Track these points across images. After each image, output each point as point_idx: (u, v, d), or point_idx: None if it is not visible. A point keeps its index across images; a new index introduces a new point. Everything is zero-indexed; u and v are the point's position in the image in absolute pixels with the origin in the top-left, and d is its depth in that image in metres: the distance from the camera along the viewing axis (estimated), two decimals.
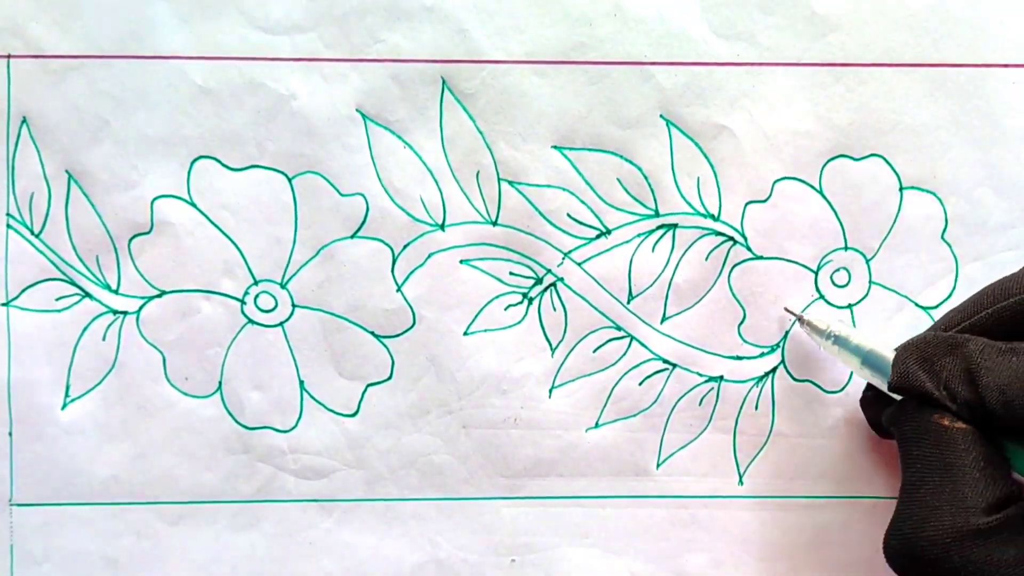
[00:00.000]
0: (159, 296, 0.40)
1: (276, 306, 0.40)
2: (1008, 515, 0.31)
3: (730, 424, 0.41)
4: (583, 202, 0.40)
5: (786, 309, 0.40)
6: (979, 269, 0.40)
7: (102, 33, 0.39)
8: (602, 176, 0.40)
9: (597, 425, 0.41)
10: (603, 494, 0.41)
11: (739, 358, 0.40)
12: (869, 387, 0.38)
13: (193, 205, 0.40)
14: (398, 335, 0.40)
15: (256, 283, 0.40)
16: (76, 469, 0.40)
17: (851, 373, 0.40)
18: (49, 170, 0.39)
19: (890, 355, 0.34)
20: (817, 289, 0.40)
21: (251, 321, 0.40)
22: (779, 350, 0.40)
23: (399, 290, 0.40)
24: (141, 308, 0.40)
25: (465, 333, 0.40)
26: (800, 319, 0.39)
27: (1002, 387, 0.31)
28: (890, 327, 0.40)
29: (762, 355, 0.40)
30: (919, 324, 0.40)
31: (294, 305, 0.40)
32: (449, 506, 0.41)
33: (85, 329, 0.40)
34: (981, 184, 0.40)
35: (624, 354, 0.40)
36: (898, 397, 0.35)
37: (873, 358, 0.36)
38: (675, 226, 0.40)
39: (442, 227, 0.40)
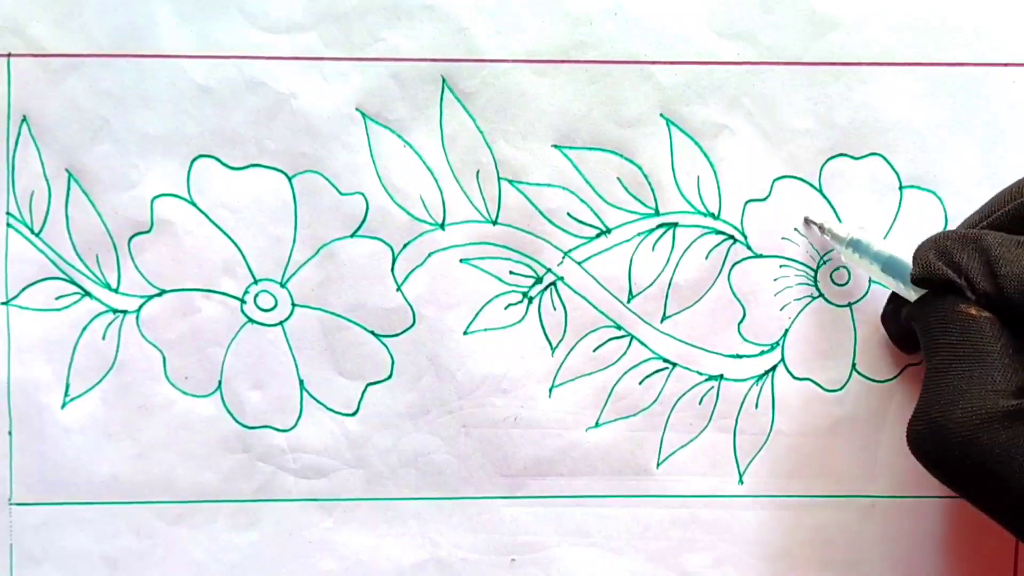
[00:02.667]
0: (159, 295, 0.40)
1: (276, 305, 0.40)
2: None
3: (730, 423, 0.41)
4: (583, 201, 0.40)
5: (806, 219, 0.40)
6: None
7: (102, 32, 0.39)
8: (602, 175, 0.40)
9: (597, 424, 0.41)
10: (603, 493, 0.41)
11: (739, 357, 0.40)
12: (890, 301, 0.38)
13: (193, 204, 0.40)
14: (398, 334, 0.40)
15: (256, 282, 0.40)
16: (76, 468, 0.40)
17: (851, 372, 0.40)
18: (49, 169, 0.39)
19: (910, 259, 0.34)
20: (817, 287, 0.40)
21: (251, 320, 0.40)
22: (779, 349, 0.40)
23: (399, 289, 0.40)
24: (141, 307, 0.40)
25: (465, 332, 0.40)
26: (820, 227, 0.39)
27: (1021, 277, 0.31)
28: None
29: (762, 354, 0.40)
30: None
31: (294, 304, 0.40)
32: (449, 505, 0.41)
33: (85, 328, 0.40)
34: (981, 183, 0.40)
35: (624, 353, 0.40)
36: (914, 297, 0.35)
37: (893, 263, 0.36)
38: (675, 225, 0.40)
39: (442, 226, 0.40)
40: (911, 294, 0.35)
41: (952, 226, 0.40)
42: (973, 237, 0.33)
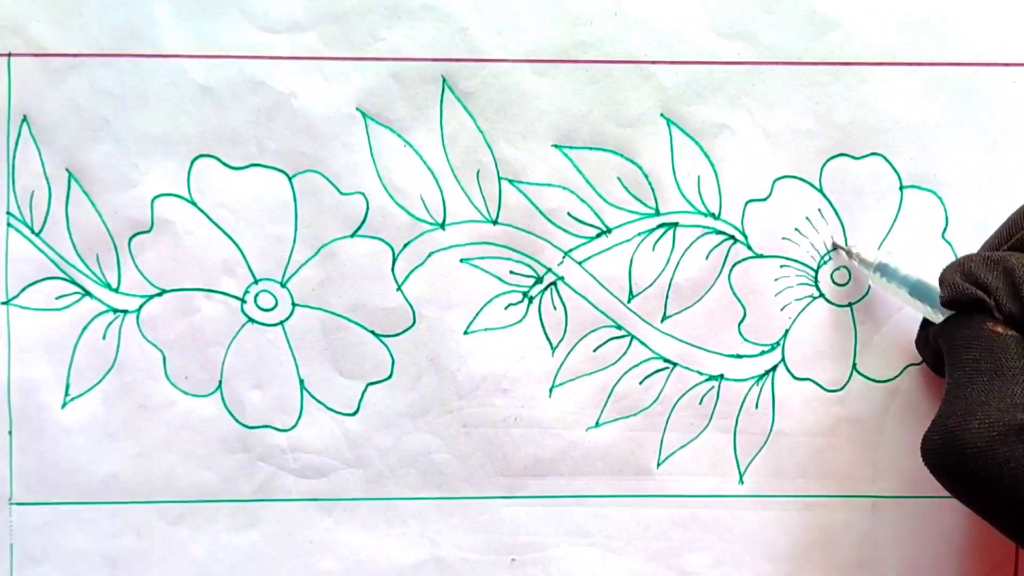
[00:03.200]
0: (159, 295, 0.40)
1: (276, 305, 0.40)
2: None
3: (730, 423, 0.41)
4: (583, 201, 0.40)
5: (833, 243, 0.40)
6: None
7: (102, 32, 0.39)
8: (602, 175, 0.40)
9: (597, 424, 0.41)
10: (603, 493, 0.41)
11: (739, 357, 0.40)
12: (922, 327, 0.38)
13: (193, 204, 0.40)
14: (398, 334, 0.40)
15: (256, 282, 0.40)
16: (76, 468, 0.40)
17: (851, 372, 0.40)
18: (49, 169, 0.39)
19: (937, 282, 0.35)
20: (817, 287, 0.40)
21: (251, 320, 0.40)
22: (779, 349, 0.40)
23: (399, 289, 0.40)
24: (141, 307, 0.40)
25: (465, 332, 0.40)
26: (848, 252, 0.39)
27: None
28: (891, 325, 0.40)
29: (762, 354, 0.40)
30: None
31: (294, 304, 0.40)
32: (449, 505, 0.41)
33: (85, 328, 0.40)
34: (981, 183, 0.40)
35: (624, 353, 0.40)
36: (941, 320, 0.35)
37: (921, 287, 0.36)
38: (675, 225, 0.40)
39: (442, 226, 0.40)
40: (938, 317, 0.35)
41: (953, 227, 0.40)
42: (997, 259, 0.33)
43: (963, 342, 0.33)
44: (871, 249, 0.39)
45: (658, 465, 0.41)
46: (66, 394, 0.40)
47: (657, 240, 0.40)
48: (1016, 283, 0.32)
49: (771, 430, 0.40)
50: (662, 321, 0.40)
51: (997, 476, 0.30)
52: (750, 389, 0.40)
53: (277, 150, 0.39)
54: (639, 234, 0.40)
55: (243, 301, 0.40)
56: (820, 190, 0.40)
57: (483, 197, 0.40)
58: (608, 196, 0.40)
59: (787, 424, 0.40)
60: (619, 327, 0.40)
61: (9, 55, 0.39)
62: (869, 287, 0.40)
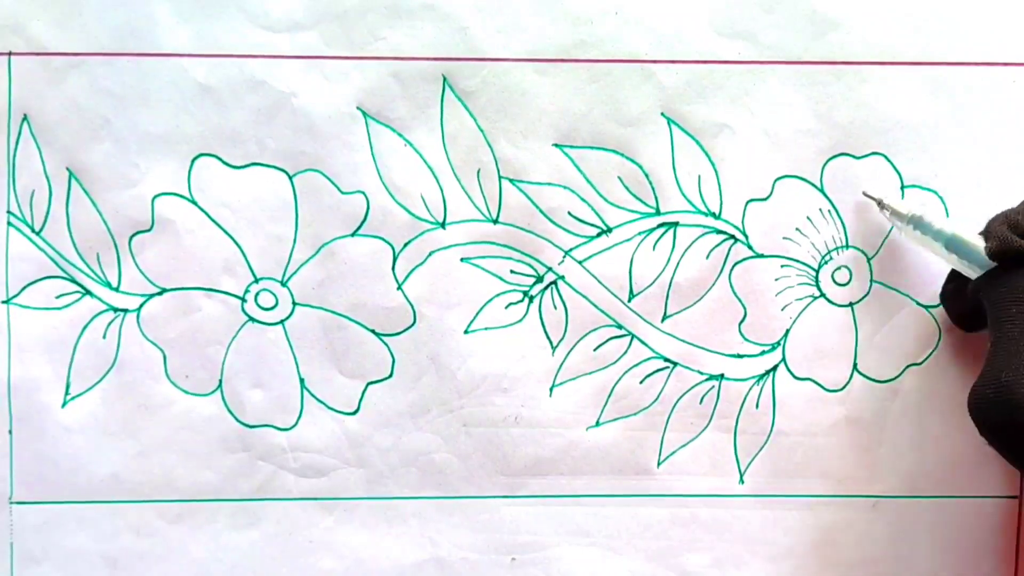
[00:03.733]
0: (159, 294, 0.40)
1: (276, 304, 0.40)
2: None
3: (731, 423, 0.41)
4: (584, 200, 0.40)
5: (864, 193, 0.39)
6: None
7: (103, 31, 0.39)
8: (603, 174, 0.40)
9: (598, 424, 0.41)
10: (604, 493, 0.41)
11: (740, 356, 0.40)
12: (950, 280, 0.38)
13: (194, 203, 0.40)
14: (399, 333, 0.40)
15: (256, 281, 0.40)
16: (76, 467, 0.40)
17: (852, 372, 0.40)
18: (50, 168, 0.39)
19: (975, 237, 0.35)
20: (818, 287, 0.40)
21: (251, 319, 0.40)
22: (780, 348, 0.40)
23: (400, 288, 0.40)
24: (142, 306, 0.40)
25: (466, 331, 0.40)
26: (880, 203, 0.39)
27: None
28: (891, 325, 0.40)
29: (763, 353, 0.40)
30: (920, 323, 0.40)
31: (294, 303, 0.40)
32: (449, 505, 0.41)
33: (85, 327, 0.40)
34: (981, 182, 0.40)
35: (625, 352, 0.40)
36: (975, 275, 0.35)
37: (957, 241, 0.36)
38: (676, 224, 0.40)
39: (443, 225, 0.40)
40: (974, 272, 0.35)
41: (956, 224, 0.40)
42: None
43: (1010, 296, 0.33)
44: (904, 201, 0.38)
45: (658, 465, 0.41)
46: (66, 393, 0.40)
47: (658, 239, 0.40)
48: None
49: (771, 430, 0.40)
50: (662, 321, 0.40)
51: None
52: (750, 389, 0.40)
53: (277, 149, 0.39)
54: (639, 233, 0.40)
55: (243, 300, 0.40)
56: (821, 190, 0.40)
57: (483, 196, 0.40)
58: (608, 195, 0.40)
59: (787, 424, 0.40)
60: (619, 326, 0.40)
61: (9, 54, 0.39)
62: (870, 288, 0.40)
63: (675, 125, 0.40)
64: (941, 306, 0.40)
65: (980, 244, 0.35)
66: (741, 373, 0.40)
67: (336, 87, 0.39)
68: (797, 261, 0.40)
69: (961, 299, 0.37)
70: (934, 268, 0.40)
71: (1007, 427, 0.31)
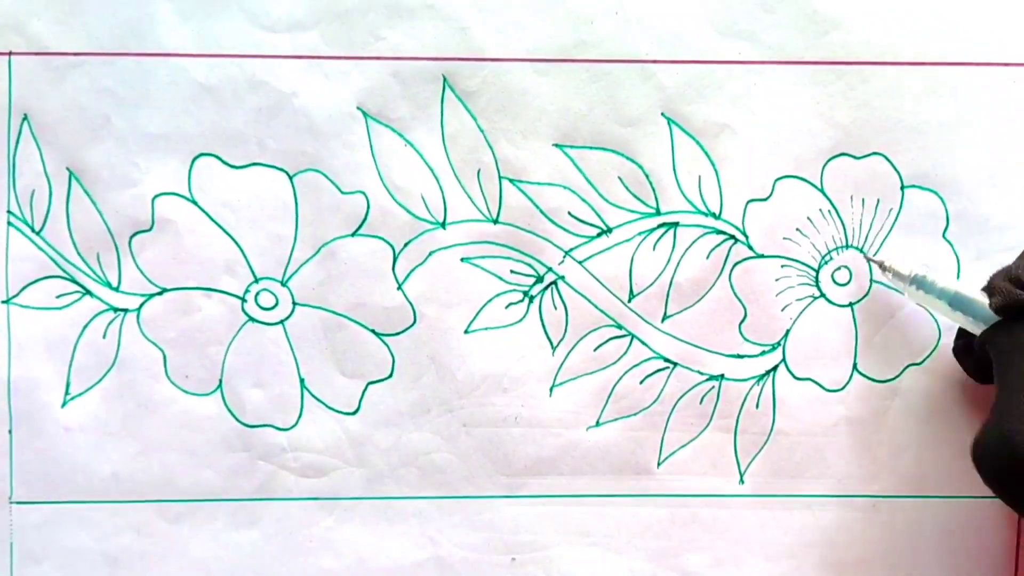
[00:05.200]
0: (160, 294, 0.40)
1: (277, 304, 0.40)
2: None
3: (731, 423, 0.41)
4: (584, 200, 0.40)
5: (865, 256, 0.40)
6: (980, 268, 0.40)
7: (103, 30, 0.39)
8: (603, 174, 0.40)
9: (598, 424, 0.41)
10: (604, 493, 0.41)
11: (740, 356, 0.40)
12: (959, 336, 0.38)
13: (194, 203, 0.40)
14: (399, 333, 0.40)
15: (257, 281, 0.40)
16: (76, 467, 0.40)
17: (852, 372, 0.40)
18: (50, 167, 0.39)
19: (977, 294, 0.36)
20: (818, 287, 0.40)
21: (252, 319, 0.40)
22: (780, 348, 0.40)
23: (400, 288, 0.40)
24: (142, 306, 0.40)
25: (466, 331, 0.40)
26: (881, 265, 0.39)
27: None
28: (891, 325, 0.40)
29: (763, 353, 0.40)
30: (920, 323, 0.40)
31: (295, 303, 0.40)
32: (449, 504, 0.41)
33: (86, 327, 0.40)
34: (982, 183, 0.40)
35: (625, 353, 0.40)
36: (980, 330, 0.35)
37: (960, 298, 0.36)
38: (676, 224, 0.40)
39: (443, 225, 0.40)
40: (979, 327, 0.36)
41: (953, 226, 0.40)
42: None
43: (1012, 347, 0.33)
44: (905, 262, 0.39)
45: (658, 465, 0.41)
46: (66, 393, 0.40)
47: (658, 240, 0.40)
48: None
49: (771, 430, 0.40)
50: (663, 321, 0.40)
51: None
52: (750, 389, 0.40)
53: (278, 149, 0.39)
54: (640, 234, 0.40)
55: (244, 300, 0.40)
56: (821, 190, 0.40)
57: (484, 196, 0.40)
58: (609, 195, 0.40)
59: (787, 424, 0.40)
60: (619, 327, 0.40)
61: (10, 54, 0.39)
62: (870, 287, 0.40)
63: (675, 125, 0.40)
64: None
65: (983, 300, 0.36)
66: (741, 373, 0.40)
67: (336, 87, 0.39)
68: (797, 261, 0.40)
69: (971, 354, 0.38)
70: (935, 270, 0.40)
71: (1009, 475, 0.32)
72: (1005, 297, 0.34)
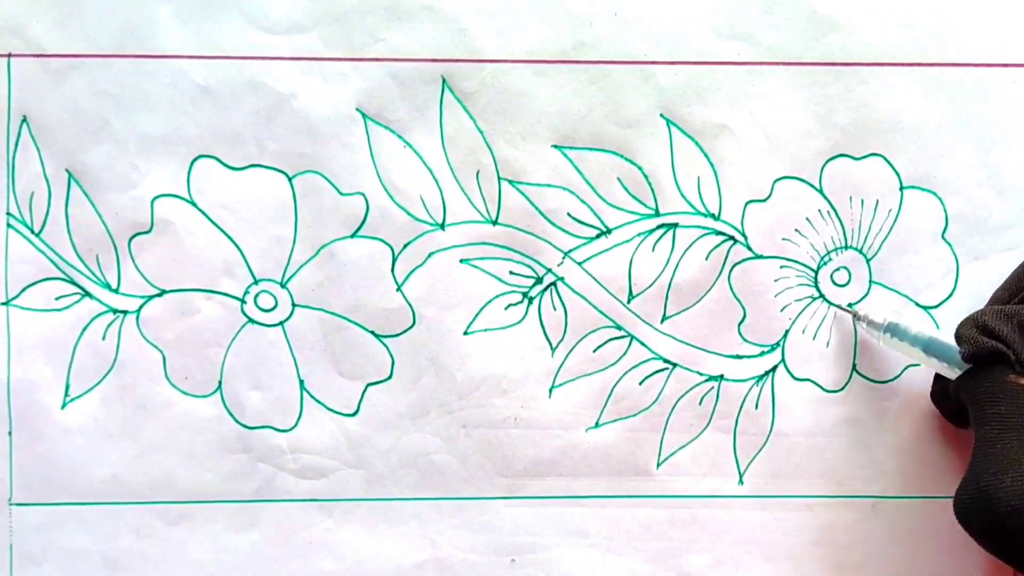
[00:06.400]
0: (159, 295, 0.40)
1: (276, 305, 0.40)
2: None
3: (730, 424, 0.41)
4: (583, 201, 0.40)
5: (839, 307, 0.40)
6: (980, 268, 0.40)
7: (102, 32, 0.39)
8: (602, 175, 0.40)
9: (597, 425, 0.41)
10: (603, 494, 0.41)
11: (739, 357, 0.40)
12: (936, 381, 0.38)
13: (193, 204, 0.40)
14: (398, 335, 0.40)
15: (256, 282, 0.40)
16: (75, 469, 0.40)
17: (851, 372, 0.40)
18: (49, 169, 0.39)
19: (950, 339, 0.36)
20: (817, 288, 0.40)
21: (251, 320, 0.40)
22: (779, 349, 0.40)
23: (399, 289, 0.40)
24: (141, 307, 0.40)
25: (465, 333, 0.40)
26: (855, 315, 0.39)
27: None
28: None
29: (762, 354, 0.40)
30: (920, 324, 0.40)
31: (294, 304, 0.40)
32: (449, 506, 0.41)
33: (85, 328, 0.40)
34: (981, 184, 0.40)
35: (624, 354, 0.40)
36: (955, 375, 0.35)
37: (934, 344, 0.36)
38: (675, 225, 0.40)
39: (442, 226, 0.40)
40: (954, 372, 0.36)
41: (952, 227, 0.40)
42: (1011, 312, 0.34)
43: (988, 396, 0.33)
44: (879, 311, 0.39)
45: (658, 465, 0.41)
46: (66, 395, 0.40)
47: (657, 241, 0.40)
48: None
49: (771, 430, 0.40)
50: (662, 322, 0.40)
51: None
52: (750, 389, 0.40)
53: (277, 151, 0.39)
54: (639, 235, 0.40)
55: (243, 302, 0.40)
56: (820, 191, 0.40)
57: (483, 197, 0.40)
58: (608, 197, 0.40)
59: (787, 424, 0.40)
60: (619, 327, 0.40)
61: (9, 55, 0.39)
62: (869, 289, 0.40)
63: (674, 126, 0.40)
64: (935, 308, 0.40)
65: (956, 345, 0.36)
66: (740, 374, 0.40)
67: (335, 88, 0.39)
68: (796, 262, 0.40)
69: (948, 398, 0.38)
70: (934, 270, 0.40)
71: (989, 531, 0.32)
72: (972, 345, 0.34)
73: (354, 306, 0.40)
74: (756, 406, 0.40)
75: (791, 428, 0.40)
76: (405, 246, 0.40)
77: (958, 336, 0.35)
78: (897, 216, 0.40)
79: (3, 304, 0.40)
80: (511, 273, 0.40)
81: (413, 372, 0.40)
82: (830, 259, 0.40)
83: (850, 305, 0.40)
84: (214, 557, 0.41)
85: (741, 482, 0.41)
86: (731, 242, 0.40)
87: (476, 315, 0.40)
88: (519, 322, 0.40)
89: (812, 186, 0.40)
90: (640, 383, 0.40)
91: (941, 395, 0.38)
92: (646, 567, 0.41)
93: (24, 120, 0.39)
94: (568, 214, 0.40)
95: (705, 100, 0.40)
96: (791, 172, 0.40)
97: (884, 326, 0.38)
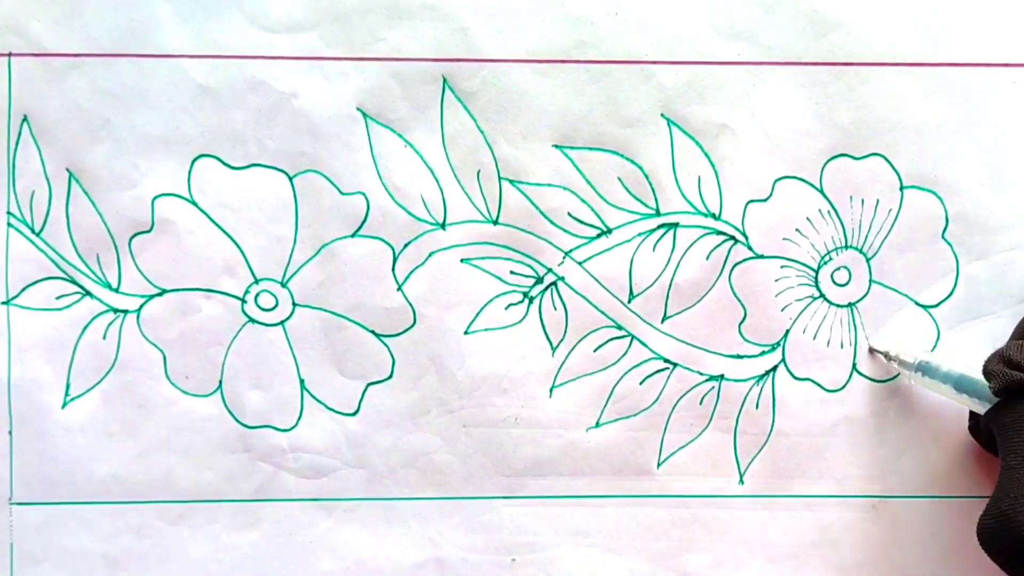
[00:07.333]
0: (160, 295, 0.40)
1: (277, 305, 0.40)
2: None
3: (731, 423, 0.41)
4: (584, 201, 0.40)
5: (870, 348, 0.40)
6: (980, 268, 0.40)
7: (103, 32, 0.39)
8: (603, 175, 0.40)
9: (598, 424, 0.41)
10: (604, 493, 0.41)
11: (740, 357, 0.40)
12: (972, 416, 0.39)
13: (194, 204, 0.40)
14: (399, 334, 0.40)
15: (257, 282, 0.40)
16: (76, 468, 0.40)
17: (851, 372, 0.40)
18: (50, 168, 0.39)
19: (980, 375, 0.36)
20: (818, 288, 0.40)
21: (251, 320, 0.40)
22: (779, 349, 0.40)
23: (400, 289, 0.40)
24: (142, 307, 0.40)
25: (466, 332, 0.40)
26: (886, 355, 0.40)
27: None
28: (891, 326, 0.40)
29: (763, 354, 0.40)
30: (920, 324, 0.40)
31: (295, 304, 0.40)
32: (449, 505, 0.41)
33: (85, 328, 0.40)
34: (982, 184, 0.40)
35: (625, 353, 0.40)
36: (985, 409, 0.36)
37: (965, 380, 0.37)
38: (676, 225, 0.40)
39: (443, 226, 0.40)
40: (984, 407, 0.36)
41: (952, 227, 0.40)
42: None
43: (1013, 426, 0.34)
44: (910, 350, 0.39)
45: (658, 465, 0.41)
46: (66, 394, 0.40)
47: (657, 240, 0.40)
48: None
49: (771, 430, 0.41)
50: (662, 321, 0.40)
51: None
52: (750, 389, 0.40)
53: (277, 150, 0.39)
54: (639, 234, 0.40)
55: (243, 301, 0.40)
56: (821, 190, 0.40)
57: (483, 197, 0.40)
58: (608, 196, 0.40)
59: (787, 424, 0.40)
60: (619, 327, 0.40)
61: (9, 55, 0.39)
62: (869, 288, 0.40)
63: (675, 126, 0.40)
64: (935, 308, 0.40)
65: (985, 381, 0.36)
66: (741, 374, 0.40)
67: (336, 88, 0.39)
68: (797, 262, 0.40)
69: (981, 432, 0.38)
70: (934, 270, 0.40)
71: (1012, 554, 0.32)
72: (1000, 379, 0.35)
73: (355, 305, 0.40)
74: (756, 406, 0.40)
75: (791, 428, 0.41)
76: (406, 246, 0.40)
77: (987, 372, 0.36)
78: (897, 216, 0.40)
79: (3, 303, 0.40)
80: (512, 273, 0.40)
81: (414, 371, 0.40)
82: (830, 259, 0.40)
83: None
84: (214, 556, 0.41)
85: (741, 482, 0.41)
86: (732, 242, 0.40)
87: (477, 315, 0.40)
88: (520, 322, 0.40)
89: (813, 186, 0.40)
90: (641, 383, 0.40)
91: (977, 429, 0.39)
92: (646, 567, 0.41)
93: (24, 119, 0.39)
94: (569, 214, 0.40)
95: (706, 100, 0.40)
96: (792, 172, 0.40)
97: (915, 365, 0.38)
